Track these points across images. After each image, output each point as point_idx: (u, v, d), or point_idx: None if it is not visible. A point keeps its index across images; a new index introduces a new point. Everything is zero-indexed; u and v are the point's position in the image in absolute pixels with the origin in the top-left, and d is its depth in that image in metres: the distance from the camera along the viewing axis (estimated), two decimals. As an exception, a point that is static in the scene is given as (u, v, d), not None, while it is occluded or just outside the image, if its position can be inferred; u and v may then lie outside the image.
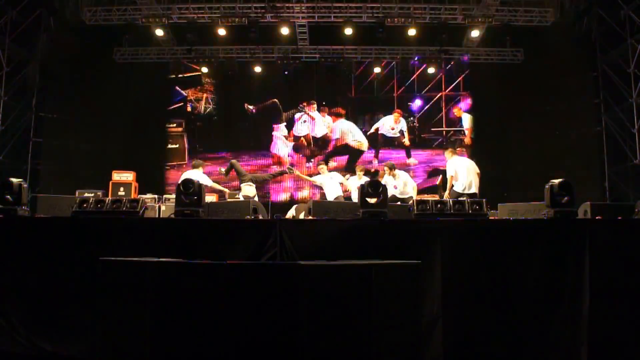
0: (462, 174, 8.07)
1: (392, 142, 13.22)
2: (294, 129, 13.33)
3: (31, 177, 11.17)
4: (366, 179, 9.54)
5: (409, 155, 13.09)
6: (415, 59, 13.00)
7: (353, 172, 9.90)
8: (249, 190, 8.80)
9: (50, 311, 4.08)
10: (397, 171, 8.79)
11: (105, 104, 12.29)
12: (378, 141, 13.23)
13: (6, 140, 10.73)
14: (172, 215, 4.62)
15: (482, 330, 3.94)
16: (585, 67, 11.78)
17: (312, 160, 13.14)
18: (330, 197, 9.23)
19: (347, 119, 13.38)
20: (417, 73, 13.29)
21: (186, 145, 13.38)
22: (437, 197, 9.26)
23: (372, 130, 13.21)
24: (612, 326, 3.87)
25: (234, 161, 9.47)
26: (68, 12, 11.79)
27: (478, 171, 8.22)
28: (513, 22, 11.66)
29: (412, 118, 13.29)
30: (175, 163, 13.24)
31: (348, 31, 11.67)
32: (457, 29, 12.19)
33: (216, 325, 3.17)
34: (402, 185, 8.66)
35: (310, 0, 11.63)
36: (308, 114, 13.30)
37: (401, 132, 13.14)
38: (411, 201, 5.08)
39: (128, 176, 10.54)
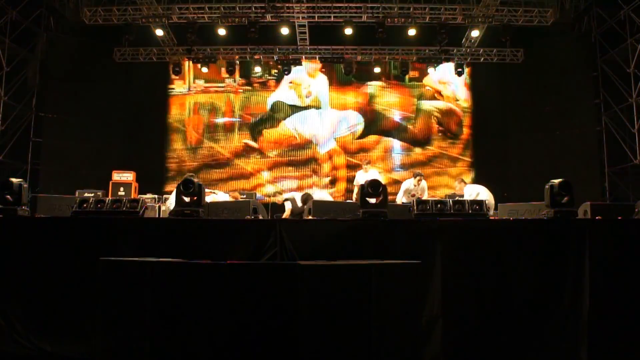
0: (482, 193, 8.18)
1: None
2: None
3: (31, 177, 11.18)
4: (373, 171, 9.66)
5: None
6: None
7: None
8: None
9: (50, 311, 4.08)
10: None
11: (105, 104, 12.29)
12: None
13: (6, 140, 10.74)
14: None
15: (481, 330, 3.94)
16: (585, 67, 11.79)
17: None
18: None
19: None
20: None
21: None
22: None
23: None
24: (612, 326, 3.87)
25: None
26: (68, 12, 11.80)
27: (491, 195, 8.33)
28: (513, 22, 11.65)
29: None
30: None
31: (348, 31, 11.67)
32: (457, 29, 12.19)
33: (216, 325, 3.17)
34: (419, 193, 8.80)
35: (310, 0, 11.62)
36: None
37: None
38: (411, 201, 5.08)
39: (128, 176, 10.53)
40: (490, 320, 3.94)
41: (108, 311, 3.33)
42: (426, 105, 13.33)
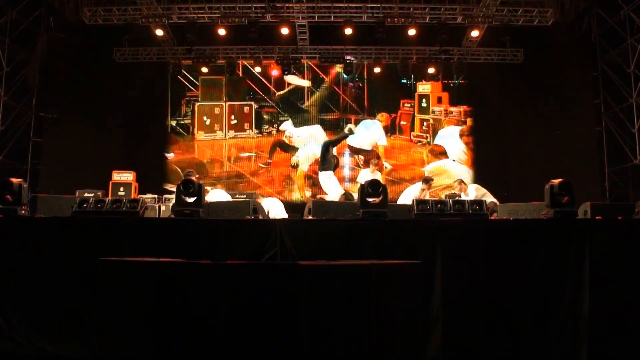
0: (488, 194, 8.19)
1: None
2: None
3: (31, 177, 11.17)
4: (378, 173, 9.73)
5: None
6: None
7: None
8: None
9: (50, 311, 4.08)
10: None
11: (105, 104, 12.29)
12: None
13: (6, 140, 10.73)
14: (172, 215, 4.62)
15: (482, 330, 3.94)
16: (585, 67, 11.78)
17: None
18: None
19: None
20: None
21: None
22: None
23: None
24: (612, 326, 3.87)
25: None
26: (68, 12, 11.79)
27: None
28: (513, 22, 11.64)
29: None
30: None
31: (348, 31, 11.66)
32: (457, 29, 12.18)
33: (216, 326, 3.17)
34: (424, 196, 8.89)
35: (310, 0, 11.62)
36: None
37: None
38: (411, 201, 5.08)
39: (128, 176, 10.53)
40: (490, 321, 3.95)
41: (108, 311, 3.33)
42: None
